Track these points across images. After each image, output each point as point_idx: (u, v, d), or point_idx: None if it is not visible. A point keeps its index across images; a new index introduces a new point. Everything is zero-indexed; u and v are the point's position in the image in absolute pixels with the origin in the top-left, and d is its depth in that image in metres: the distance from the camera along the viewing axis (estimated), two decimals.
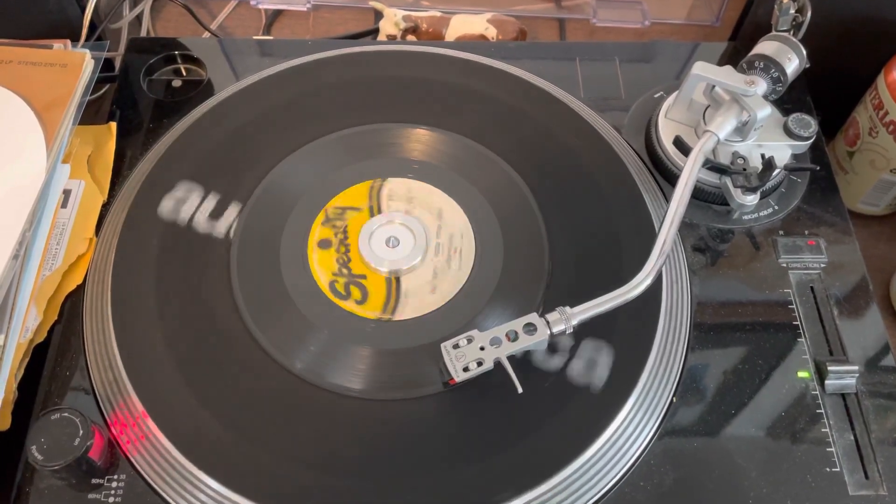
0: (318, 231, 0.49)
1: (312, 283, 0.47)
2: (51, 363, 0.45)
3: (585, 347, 0.45)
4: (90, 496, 0.40)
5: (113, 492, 0.40)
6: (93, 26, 0.58)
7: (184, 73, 0.59)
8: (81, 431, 0.38)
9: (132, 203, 0.50)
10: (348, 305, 0.46)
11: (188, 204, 0.50)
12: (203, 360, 0.44)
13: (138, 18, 0.69)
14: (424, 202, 0.51)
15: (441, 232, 0.50)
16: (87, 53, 0.53)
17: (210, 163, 0.52)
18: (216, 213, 0.50)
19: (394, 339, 0.45)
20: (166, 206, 0.48)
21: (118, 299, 0.46)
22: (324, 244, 0.49)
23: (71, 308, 0.47)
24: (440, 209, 0.51)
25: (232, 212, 0.50)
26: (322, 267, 0.48)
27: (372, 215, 0.50)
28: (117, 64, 0.62)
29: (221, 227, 0.49)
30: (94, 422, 0.40)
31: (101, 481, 0.41)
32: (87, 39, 0.57)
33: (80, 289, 0.47)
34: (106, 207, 0.51)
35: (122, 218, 0.49)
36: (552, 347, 0.44)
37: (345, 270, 0.48)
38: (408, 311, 0.47)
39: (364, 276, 0.48)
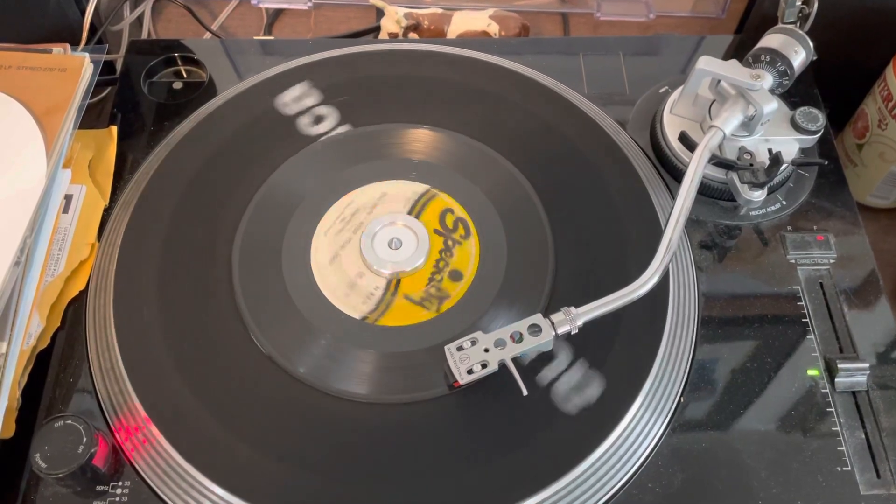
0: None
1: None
2: (54, 370, 0.45)
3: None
4: (95, 503, 0.40)
5: (118, 499, 0.40)
6: (93, 29, 0.58)
7: (184, 75, 0.59)
8: (85, 439, 0.38)
9: (134, 207, 0.49)
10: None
11: None
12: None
13: (139, 20, 0.69)
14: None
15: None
16: (87, 57, 0.53)
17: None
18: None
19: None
20: None
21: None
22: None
23: (74, 314, 0.47)
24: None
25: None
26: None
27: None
28: (118, 67, 0.62)
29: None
30: (97, 429, 0.40)
31: (105, 488, 0.41)
32: (87, 42, 0.57)
33: (83, 295, 0.47)
34: (107, 212, 0.50)
35: (125, 223, 0.49)
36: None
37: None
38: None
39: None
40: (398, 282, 0.47)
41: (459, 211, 0.50)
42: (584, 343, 0.44)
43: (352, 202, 0.50)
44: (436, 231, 0.49)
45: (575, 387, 0.43)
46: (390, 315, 0.46)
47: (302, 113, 0.54)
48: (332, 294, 0.47)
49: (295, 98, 0.55)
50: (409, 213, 0.49)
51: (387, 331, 0.45)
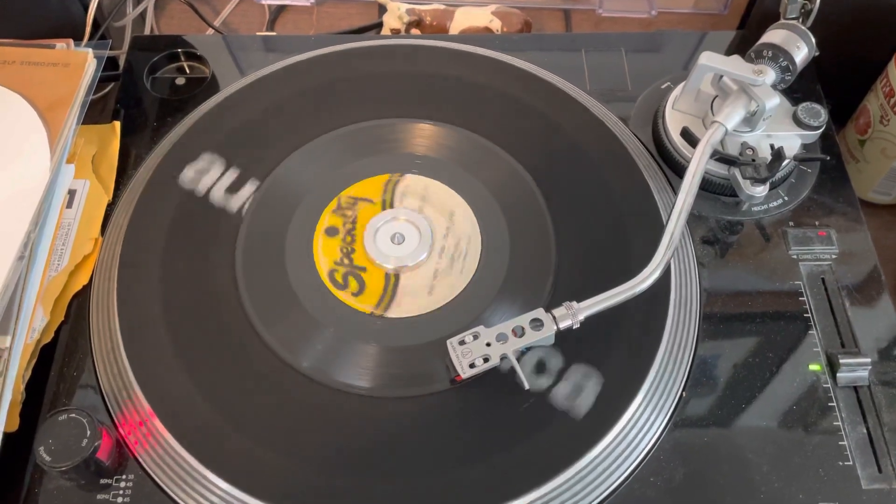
0: (325, 221, 0.49)
1: (318, 279, 0.47)
2: (58, 364, 0.45)
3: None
4: (99, 496, 0.40)
5: (121, 492, 0.40)
6: (96, 24, 0.58)
7: (187, 71, 0.59)
8: (89, 432, 0.38)
9: (137, 202, 0.50)
10: (345, 297, 0.46)
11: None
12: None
13: (142, 16, 0.69)
14: (436, 200, 0.50)
15: (447, 228, 0.49)
16: (90, 53, 0.53)
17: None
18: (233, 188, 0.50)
19: (400, 336, 0.45)
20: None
21: (124, 299, 0.46)
22: (331, 232, 0.49)
23: (77, 308, 0.47)
24: (446, 203, 0.50)
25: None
26: (326, 258, 0.48)
27: (384, 209, 0.50)
28: (121, 62, 0.62)
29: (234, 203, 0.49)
30: (101, 422, 0.40)
31: (109, 481, 0.41)
32: (90, 38, 0.57)
33: (87, 289, 0.47)
34: (111, 207, 0.51)
35: (128, 217, 0.49)
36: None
37: (346, 260, 0.48)
38: (413, 306, 0.46)
39: (364, 269, 0.48)
40: (397, 276, 0.47)
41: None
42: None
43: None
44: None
45: (577, 382, 0.43)
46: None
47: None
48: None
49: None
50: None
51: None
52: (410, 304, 0.46)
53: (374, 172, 0.52)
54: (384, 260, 0.48)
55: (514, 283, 0.47)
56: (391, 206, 0.50)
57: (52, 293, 0.46)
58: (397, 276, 0.47)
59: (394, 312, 0.46)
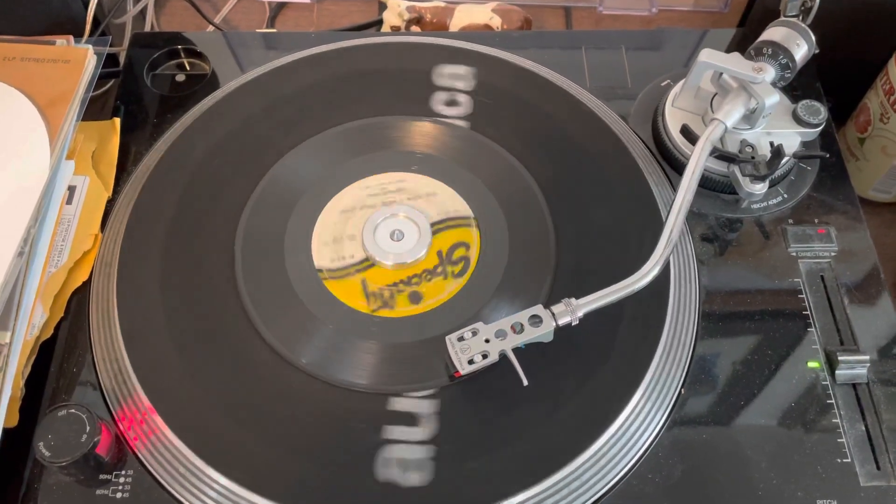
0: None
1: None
2: (58, 360, 0.45)
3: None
4: (98, 492, 0.40)
5: (121, 487, 0.41)
6: (96, 21, 0.58)
7: (187, 68, 0.59)
8: (88, 427, 0.39)
9: (137, 198, 0.50)
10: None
11: None
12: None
13: (142, 13, 0.69)
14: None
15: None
16: (90, 49, 0.53)
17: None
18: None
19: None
20: None
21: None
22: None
23: (77, 305, 0.47)
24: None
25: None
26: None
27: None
28: (121, 59, 0.62)
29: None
30: (101, 418, 0.40)
31: (108, 477, 0.41)
32: (90, 35, 0.57)
33: (86, 285, 0.47)
34: (111, 203, 0.51)
35: (128, 214, 0.49)
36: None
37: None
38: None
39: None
40: (371, 265, 0.48)
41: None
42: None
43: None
44: (438, 252, 0.48)
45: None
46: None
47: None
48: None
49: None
50: (433, 225, 0.49)
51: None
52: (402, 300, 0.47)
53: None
54: (383, 256, 0.48)
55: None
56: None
57: (51, 289, 0.46)
58: (372, 265, 0.48)
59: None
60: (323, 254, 0.48)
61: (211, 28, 0.69)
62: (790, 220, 0.50)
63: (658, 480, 0.41)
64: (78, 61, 0.52)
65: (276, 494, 0.40)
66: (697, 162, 0.46)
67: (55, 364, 0.45)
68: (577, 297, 0.42)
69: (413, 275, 0.47)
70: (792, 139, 0.50)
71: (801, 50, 0.49)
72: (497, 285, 0.47)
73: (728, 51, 0.49)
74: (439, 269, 0.47)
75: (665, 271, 0.44)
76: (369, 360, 0.44)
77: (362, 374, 0.44)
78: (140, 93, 0.57)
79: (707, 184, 0.51)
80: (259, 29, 0.70)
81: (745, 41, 0.58)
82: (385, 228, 0.49)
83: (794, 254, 0.49)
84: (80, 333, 0.46)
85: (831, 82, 0.56)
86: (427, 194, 0.50)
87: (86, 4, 0.58)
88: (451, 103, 0.55)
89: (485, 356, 0.40)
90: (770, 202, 0.51)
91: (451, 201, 0.50)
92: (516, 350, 0.41)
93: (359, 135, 0.53)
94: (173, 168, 0.51)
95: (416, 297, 0.46)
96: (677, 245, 0.47)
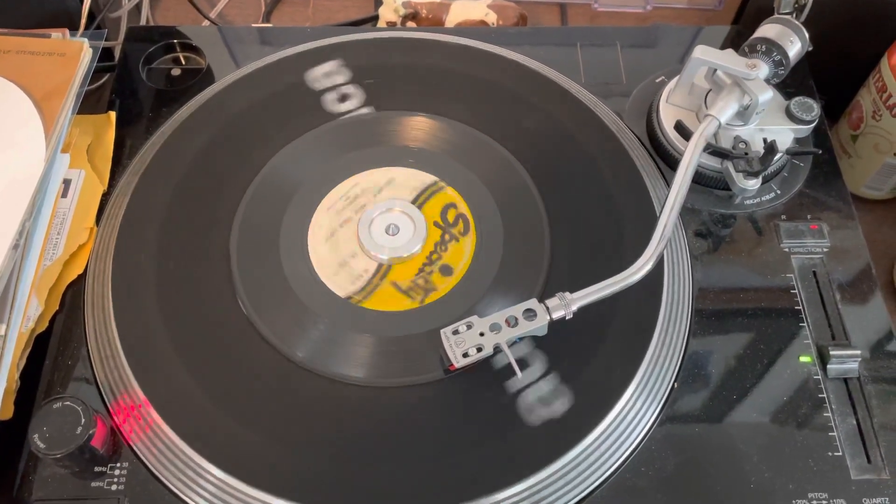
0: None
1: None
2: (53, 353, 0.45)
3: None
4: (93, 484, 0.40)
5: (116, 479, 0.41)
6: (91, 15, 0.58)
7: (183, 62, 0.59)
8: (83, 420, 0.39)
9: (132, 192, 0.50)
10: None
11: None
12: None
13: (137, 7, 0.69)
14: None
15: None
16: (86, 42, 0.53)
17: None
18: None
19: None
20: None
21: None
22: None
23: (72, 298, 0.47)
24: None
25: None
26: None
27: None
28: (116, 53, 0.62)
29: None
30: (96, 410, 0.40)
31: (103, 469, 0.41)
32: (86, 28, 0.57)
33: (81, 278, 0.47)
34: (106, 197, 0.51)
35: (123, 207, 0.49)
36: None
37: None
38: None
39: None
40: (388, 267, 0.48)
41: (462, 207, 0.50)
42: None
43: (352, 187, 0.51)
44: (435, 223, 0.49)
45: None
46: (374, 299, 0.46)
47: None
48: (322, 272, 0.47)
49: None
50: (414, 202, 0.50)
51: (384, 315, 0.46)
52: (395, 296, 0.47)
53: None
54: (378, 250, 0.48)
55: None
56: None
57: (46, 282, 0.46)
58: (389, 268, 0.48)
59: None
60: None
61: (206, 23, 0.69)
62: (783, 216, 0.51)
63: (651, 474, 0.42)
64: (73, 55, 0.52)
65: (271, 486, 0.40)
66: (691, 158, 0.46)
67: (50, 357, 0.45)
68: (571, 292, 0.42)
69: (430, 252, 0.48)
70: (785, 136, 0.50)
71: (795, 47, 0.50)
72: (492, 279, 0.47)
73: (722, 48, 0.50)
74: (447, 237, 0.48)
75: (658, 266, 0.44)
76: (364, 353, 0.45)
77: (358, 368, 0.44)
78: (136, 87, 0.57)
79: (701, 179, 0.51)
80: (255, 24, 0.70)
81: (739, 38, 0.58)
82: (380, 223, 0.49)
83: (786, 249, 0.49)
84: (75, 326, 0.46)
85: (824, 79, 0.57)
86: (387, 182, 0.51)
87: None
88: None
89: (479, 349, 0.41)
90: (763, 198, 0.51)
91: (413, 178, 0.51)
92: (511, 344, 0.41)
93: (354, 129, 0.53)
94: (169, 162, 0.51)
95: (446, 270, 0.47)
96: (671, 240, 0.47)
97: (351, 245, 0.48)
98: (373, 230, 0.49)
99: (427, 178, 0.51)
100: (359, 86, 0.55)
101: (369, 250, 0.48)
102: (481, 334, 0.41)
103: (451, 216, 0.49)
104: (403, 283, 0.47)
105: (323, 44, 0.58)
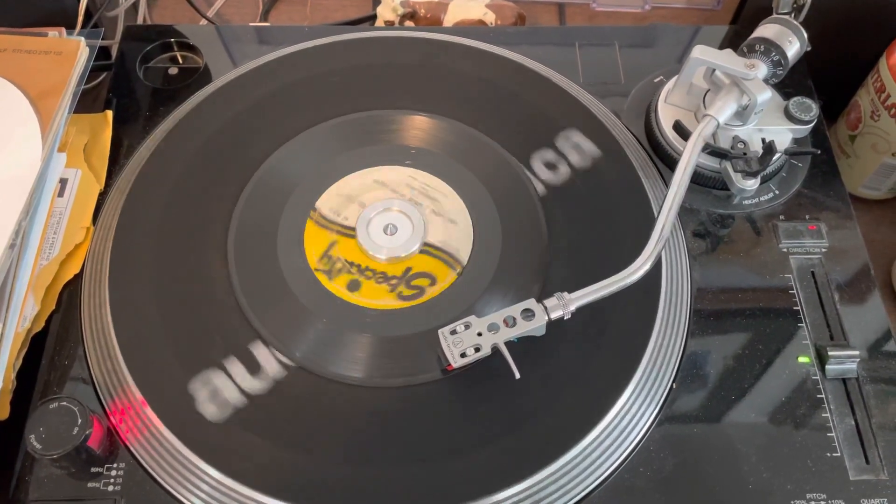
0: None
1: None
2: (49, 352, 0.45)
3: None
4: (90, 484, 0.40)
5: (112, 480, 0.41)
6: (88, 14, 0.58)
7: (180, 61, 0.59)
8: (80, 420, 0.38)
9: (129, 191, 0.49)
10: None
11: None
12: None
13: (134, 6, 0.68)
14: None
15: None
16: (82, 41, 0.53)
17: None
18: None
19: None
20: None
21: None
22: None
23: (69, 297, 0.47)
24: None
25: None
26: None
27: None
28: (113, 52, 0.62)
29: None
30: (92, 411, 0.40)
31: (100, 470, 0.41)
32: (82, 27, 0.57)
33: (78, 278, 0.47)
34: (103, 196, 0.50)
35: (120, 207, 0.49)
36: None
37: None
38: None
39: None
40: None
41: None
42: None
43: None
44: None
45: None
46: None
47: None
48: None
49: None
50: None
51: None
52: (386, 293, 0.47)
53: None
54: (377, 250, 0.48)
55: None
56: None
57: (43, 282, 0.46)
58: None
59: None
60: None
61: (204, 21, 0.69)
62: (781, 217, 0.51)
63: (649, 474, 0.42)
64: (70, 53, 0.52)
65: (267, 487, 0.40)
66: (690, 158, 0.46)
67: (46, 357, 0.45)
68: (570, 292, 0.42)
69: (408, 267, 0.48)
70: (783, 136, 0.50)
71: (793, 47, 0.50)
72: (490, 279, 0.47)
73: (721, 47, 0.50)
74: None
75: (657, 266, 0.44)
76: (361, 353, 0.44)
77: (356, 368, 0.44)
78: (132, 86, 0.56)
79: (699, 180, 0.51)
80: (252, 23, 0.70)
81: (737, 38, 0.58)
82: (378, 223, 0.49)
83: (784, 250, 0.49)
84: (71, 326, 0.46)
85: (823, 80, 0.57)
86: (421, 189, 0.50)
87: None
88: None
89: (477, 349, 0.41)
90: (761, 198, 0.51)
91: (411, 177, 0.50)
92: (509, 344, 0.41)
93: (352, 129, 0.53)
94: (165, 161, 0.51)
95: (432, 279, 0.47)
96: (669, 240, 0.47)
97: (352, 246, 0.48)
98: (371, 230, 0.48)
99: (461, 248, 0.49)
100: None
101: (367, 250, 0.48)
102: (479, 334, 0.41)
103: (415, 281, 0.47)
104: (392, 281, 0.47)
105: (320, 43, 0.58)
